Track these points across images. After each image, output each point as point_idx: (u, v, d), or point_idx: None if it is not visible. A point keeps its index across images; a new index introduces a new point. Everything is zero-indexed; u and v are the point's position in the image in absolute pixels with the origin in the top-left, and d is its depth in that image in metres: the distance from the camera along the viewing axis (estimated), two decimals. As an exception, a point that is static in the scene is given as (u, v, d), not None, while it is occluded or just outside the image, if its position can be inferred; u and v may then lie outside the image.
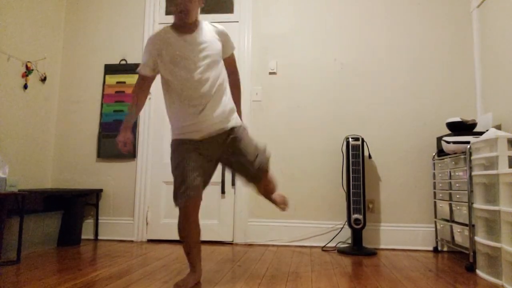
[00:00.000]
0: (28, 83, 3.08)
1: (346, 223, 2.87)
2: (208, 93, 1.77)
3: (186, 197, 1.71)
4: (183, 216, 1.76)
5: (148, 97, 3.33)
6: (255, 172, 1.86)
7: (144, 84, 1.90)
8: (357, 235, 2.78)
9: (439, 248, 2.86)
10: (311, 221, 3.05)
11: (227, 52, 1.92)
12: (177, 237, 3.11)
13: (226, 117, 1.83)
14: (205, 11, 3.42)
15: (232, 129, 1.84)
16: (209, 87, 1.77)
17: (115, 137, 3.28)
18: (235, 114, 1.92)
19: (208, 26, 1.87)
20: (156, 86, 3.35)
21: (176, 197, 1.76)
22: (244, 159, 1.83)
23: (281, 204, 2.17)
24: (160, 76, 1.88)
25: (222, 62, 1.90)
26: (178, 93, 1.79)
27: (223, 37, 1.88)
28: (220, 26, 1.90)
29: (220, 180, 3.15)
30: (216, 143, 1.83)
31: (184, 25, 1.79)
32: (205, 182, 1.85)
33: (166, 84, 1.85)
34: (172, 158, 1.83)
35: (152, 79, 1.90)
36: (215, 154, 1.86)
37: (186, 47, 1.77)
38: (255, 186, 1.98)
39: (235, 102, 1.96)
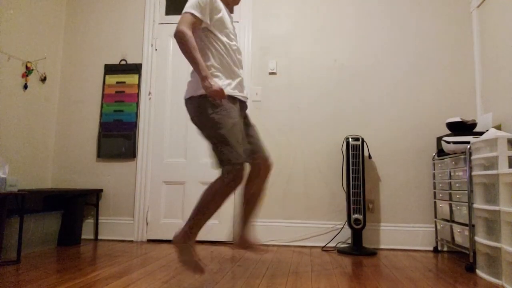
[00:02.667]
0: (28, 83, 3.08)
1: (346, 223, 2.87)
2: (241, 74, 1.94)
3: (239, 169, 1.70)
4: (232, 184, 1.69)
5: (148, 97, 3.34)
6: (265, 155, 1.90)
7: (195, 29, 1.76)
8: (357, 235, 2.78)
9: (439, 248, 2.86)
10: (311, 221, 3.05)
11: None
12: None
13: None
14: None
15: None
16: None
17: (117, 137, 3.29)
18: None
19: None
20: (157, 86, 3.36)
21: (238, 156, 1.70)
22: (255, 134, 1.93)
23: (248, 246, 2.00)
24: (202, 31, 1.82)
25: None
26: (231, 54, 1.85)
27: None
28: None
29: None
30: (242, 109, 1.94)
31: (233, 6, 1.99)
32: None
33: (216, 41, 1.82)
34: (222, 111, 1.73)
35: (199, 25, 1.77)
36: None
37: (232, 23, 1.94)
38: (254, 176, 1.92)
39: None
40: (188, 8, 1.73)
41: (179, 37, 1.67)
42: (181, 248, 1.72)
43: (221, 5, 1.83)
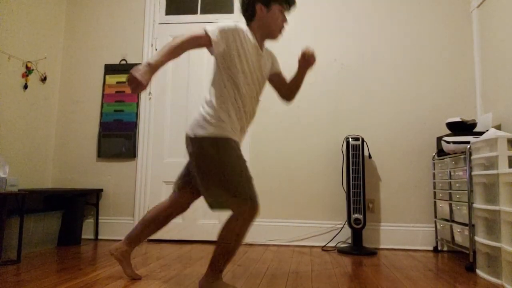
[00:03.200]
0: (28, 83, 3.08)
1: (346, 223, 2.87)
2: (255, 111, 1.81)
3: (257, 202, 1.57)
4: (252, 219, 1.58)
5: (148, 97, 3.34)
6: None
7: (198, 43, 1.61)
8: (357, 235, 2.78)
9: (439, 248, 2.86)
10: (311, 221, 3.05)
11: (276, 70, 1.94)
12: (177, 237, 3.14)
13: None
14: (205, 11, 3.42)
15: None
16: (258, 102, 1.81)
17: (117, 137, 3.29)
18: None
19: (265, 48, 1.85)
20: (157, 86, 3.36)
21: (251, 195, 1.56)
22: None
23: None
24: (218, 66, 1.68)
25: None
26: (239, 100, 1.67)
27: (275, 59, 1.92)
28: (270, 50, 1.90)
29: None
30: None
31: (263, 40, 1.78)
32: None
33: (230, 81, 1.66)
34: (227, 153, 1.59)
35: (206, 46, 1.64)
36: None
37: (260, 60, 1.75)
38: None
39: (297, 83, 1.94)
40: (208, 27, 1.63)
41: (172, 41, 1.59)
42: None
43: (246, 38, 1.68)
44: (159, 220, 1.86)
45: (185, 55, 3.33)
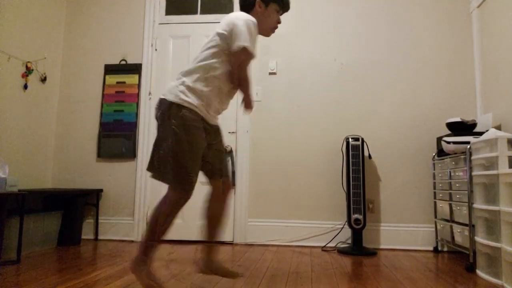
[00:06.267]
0: (28, 83, 3.08)
1: (346, 223, 2.87)
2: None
3: (191, 188, 1.58)
4: (182, 205, 1.60)
5: (148, 97, 3.34)
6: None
7: (251, 61, 1.69)
8: (357, 235, 2.77)
9: (439, 248, 2.86)
10: (311, 221, 3.05)
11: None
12: (176, 237, 3.14)
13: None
14: (205, 11, 3.42)
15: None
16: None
17: (117, 137, 3.29)
18: None
19: None
20: (157, 86, 3.36)
21: (184, 181, 1.57)
22: (219, 154, 1.78)
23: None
24: (219, 57, 1.68)
25: None
26: (225, 91, 1.70)
27: None
28: None
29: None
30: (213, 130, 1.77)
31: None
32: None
33: (226, 73, 1.67)
34: (184, 128, 1.57)
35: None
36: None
37: None
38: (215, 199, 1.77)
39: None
40: (245, 39, 1.60)
41: (242, 80, 1.64)
42: (140, 275, 1.60)
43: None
44: (215, 216, 1.81)
45: (184, 55, 3.33)
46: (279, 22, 1.81)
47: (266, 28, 1.79)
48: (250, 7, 1.77)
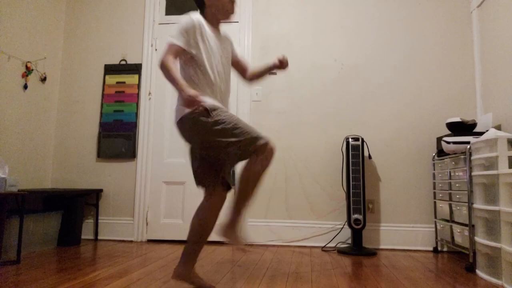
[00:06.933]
0: (28, 83, 3.08)
1: (346, 223, 2.87)
2: (229, 89, 1.87)
3: (267, 139, 1.63)
4: (271, 157, 1.64)
5: (148, 97, 3.34)
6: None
7: (176, 56, 1.72)
8: (357, 235, 2.78)
9: (439, 248, 2.86)
10: (311, 221, 3.05)
11: (236, 54, 2.00)
12: (176, 237, 3.14)
13: None
14: (205, 11, 3.42)
15: None
16: (230, 82, 1.88)
17: (117, 137, 3.29)
18: None
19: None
20: (157, 86, 3.36)
21: (257, 139, 1.61)
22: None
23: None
24: (183, 59, 1.78)
25: None
26: (211, 83, 1.75)
27: (231, 41, 1.98)
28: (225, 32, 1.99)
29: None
30: None
31: (221, 22, 1.87)
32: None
33: (198, 66, 1.74)
34: (219, 115, 1.66)
35: (182, 53, 1.75)
36: None
37: (220, 43, 1.84)
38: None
39: (261, 74, 2.00)
40: (173, 37, 1.72)
41: (162, 68, 1.67)
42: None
43: (202, 25, 1.77)
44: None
45: (185, 55, 3.33)
46: (232, 2, 1.83)
47: (224, 12, 1.83)
48: (201, 2, 1.84)
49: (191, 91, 1.56)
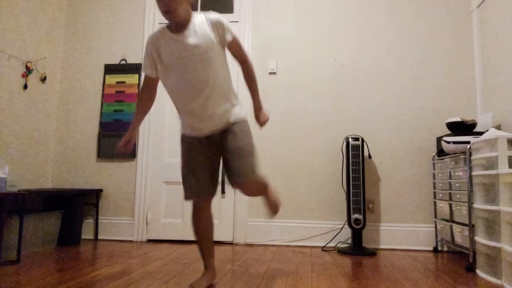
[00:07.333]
0: (28, 83, 3.08)
1: (346, 223, 2.87)
2: (205, 93, 1.65)
3: (196, 196, 1.80)
4: (192, 212, 1.88)
5: (148, 97, 3.33)
6: (236, 177, 1.69)
7: (146, 85, 1.79)
8: (357, 235, 2.78)
9: (439, 248, 2.86)
10: (311, 221, 3.05)
11: (224, 41, 1.73)
12: (176, 237, 3.15)
13: (227, 116, 1.73)
14: (205, 11, 3.41)
15: (232, 123, 1.75)
16: (206, 87, 1.65)
17: (117, 137, 3.30)
18: (237, 109, 1.78)
19: (199, 19, 1.70)
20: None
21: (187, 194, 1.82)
22: (229, 157, 1.71)
23: (271, 210, 2.02)
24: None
25: (222, 55, 1.74)
26: (176, 96, 1.71)
27: (217, 26, 1.71)
28: (212, 16, 1.74)
29: (220, 180, 3.15)
30: (218, 137, 1.77)
31: (176, 24, 1.64)
32: (214, 178, 1.82)
33: (165, 85, 1.75)
34: (181, 152, 1.83)
35: (155, 80, 1.77)
36: (216, 148, 1.79)
37: (179, 47, 1.63)
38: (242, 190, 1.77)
39: (251, 93, 1.84)
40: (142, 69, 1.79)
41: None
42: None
43: (156, 42, 1.67)
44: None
45: (185, 55, 3.33)
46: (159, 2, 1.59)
47: (162, 13, 1.61)
48: None
49: (126, 135, 1.79)
